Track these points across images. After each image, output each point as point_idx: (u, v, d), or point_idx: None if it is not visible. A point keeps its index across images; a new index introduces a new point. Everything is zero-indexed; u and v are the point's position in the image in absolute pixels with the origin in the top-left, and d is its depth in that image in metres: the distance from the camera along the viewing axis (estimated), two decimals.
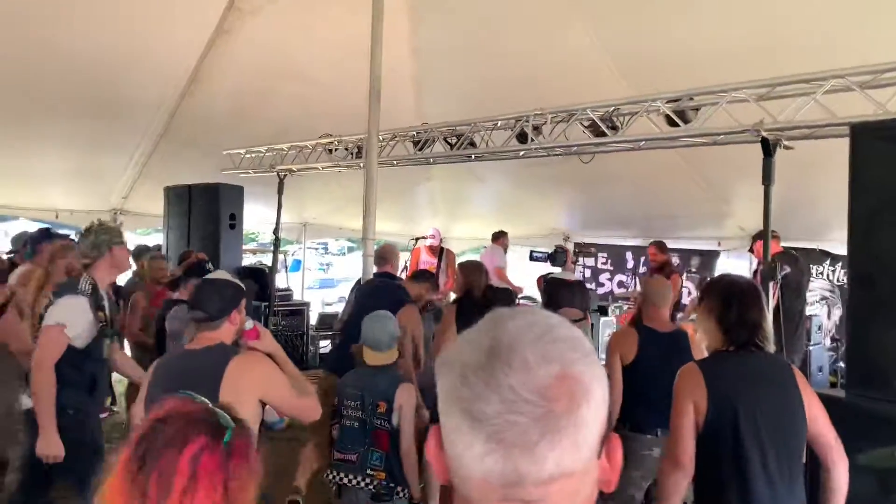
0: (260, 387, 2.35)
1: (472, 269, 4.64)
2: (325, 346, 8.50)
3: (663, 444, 3.46)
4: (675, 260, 9.07)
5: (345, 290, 23.25)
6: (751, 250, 6.54)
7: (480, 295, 4.37)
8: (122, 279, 5.75)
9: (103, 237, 3.37)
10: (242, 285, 2.58)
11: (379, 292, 4.68)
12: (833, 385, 7.07)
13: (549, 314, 0.86)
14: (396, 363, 3.23)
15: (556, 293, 2.92)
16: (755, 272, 5.93)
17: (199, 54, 6.79)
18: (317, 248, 26.61)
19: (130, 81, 6.79)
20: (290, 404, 2.48)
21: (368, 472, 3.05)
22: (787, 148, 3.99)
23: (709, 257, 9.12)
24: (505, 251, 8.35)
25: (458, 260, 7.65)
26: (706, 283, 3.16)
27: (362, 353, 3.23)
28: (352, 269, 22.17)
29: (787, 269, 5.38)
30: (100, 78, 6.61)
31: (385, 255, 5.48)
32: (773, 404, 2.36)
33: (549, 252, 4.34)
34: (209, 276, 2.62)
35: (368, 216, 5.21)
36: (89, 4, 5.89)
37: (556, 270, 4.77)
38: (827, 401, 3.24)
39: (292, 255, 13.63)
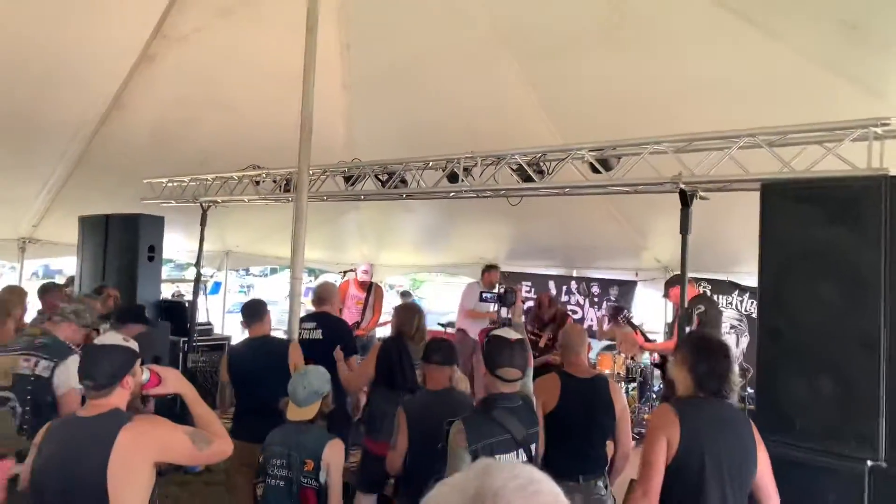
0: (155, 452, 2.33)
1: (406, 311, 4.64)
2: None
3: (584, 490, 3.57)
4: (589, 290, 9.47)
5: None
6: (666, 295, 6.78)
7: (410, 338, 4.38)
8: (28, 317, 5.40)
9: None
10: (135, 347, 2.51)
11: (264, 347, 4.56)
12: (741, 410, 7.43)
13: (532, 468, 0.92)
14: (316, 420, 3.18)
15: (495, 352, 2.97)
16: (673, 319, 6.15)
17: (122, 79, 6.55)
18: (237, 270, 25.91)
19: (48, 104, 6.45)
20: (193, 458, 2.45)
21: None
22: (702, 198, 4.21)
23: (627, 287, 9.48)
24: (491, 286, 7.48)
25: (388, 294, 7.65)
26: (685, 337, 3.35)
27: (286, 407, 3.20)
28: (275, 290, 21.57)
29: (702, 308, 5.64)
30: (15, 98, 6.26)
31: (324, 294, 5.42)
32: (735, 449, 2.67)
33: (498, 293, 4.32)
34: (99, 339, 2.53)
35: (297, 254, 5.14)
36: (5, 19, 5.55)
37: (504, 313, 4.76)
38: None
39: (212, 276, 13.24)
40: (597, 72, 5.54)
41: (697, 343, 2.90)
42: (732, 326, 8.43)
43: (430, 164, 5.47)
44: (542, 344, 6.82)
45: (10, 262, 8.45)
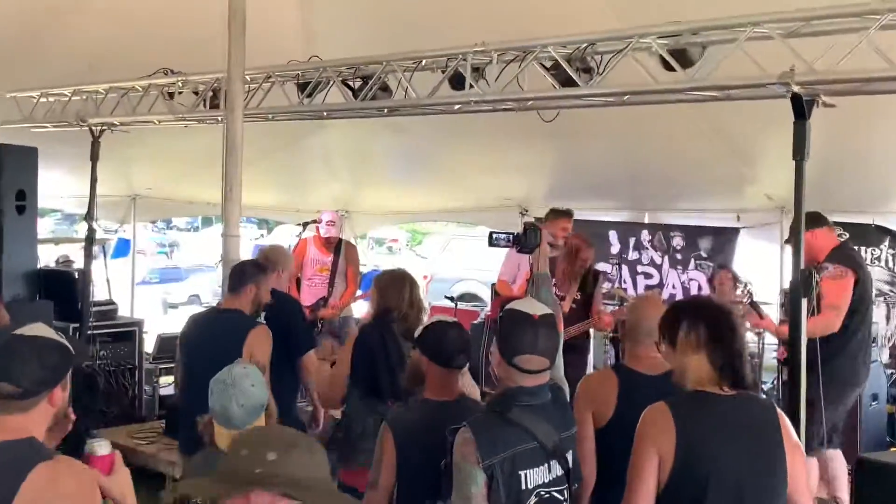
0: None
1: (391, 281, 4.68)
2: (167, 384, 8.43)
3: None
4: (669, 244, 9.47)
5: (198, 283, 22.77)
6: (788, 241, 6.62)
7: (402, 322, 4.41)
8: None
9: None
10: (71, 348, 2.52)
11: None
12: (892, 416, 7.45)
13: None
14: None
15: (512, 333, 2.98)
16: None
17: None
18: (154, 222, 26.13)
19: None
20: None
21: None
22: (828, 105, 4.17)
23: (725, 236, 9.43)
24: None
25: (364, 256, 7.68)
26: (669, 308, 3.33)
27: (212, 430, 3.23)
28: (207, 251, 21.67)
29: (829, 269, 5.59)
30: None
31: (272, 256, 5.49)
32: (753, 462, 2.72)
33: (516, 233, 4.27)
34: (25, 329, 2.54)
35: (231, 201, 5.19)
36: None
37: (527, 261, 4.72)
38: (879, 468, 3.52)
39: (116, 232, 13.36)
40: None
41: (707, 313, 2.97)
42: (880, 293, 8.38)
43: (424, 62, 5.44)
44: (566, 308, 6.53)
45: None
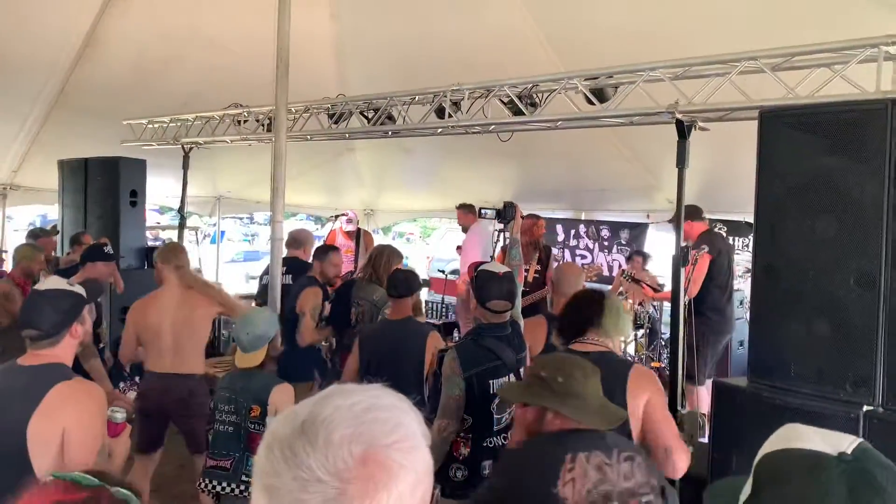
0: (68, 424, 2.15)
1: (375, 251, 4.80)
2: None
3: None
4: (599, 234, 9.37)
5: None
6: (671, 221, 6.64)
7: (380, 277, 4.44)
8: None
9: None
10: (83, 293, 2.42)
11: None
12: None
13: (392, 394, 0.85)
14: (265, 365, 3.18)
15: (484, 286, 3.04)
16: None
17: (95, 15, 6.42)
18: (241, 218, 26.05)
19: (18, 43, 6.38)
20: (81, 462, 2.07)
21: (244, 478, 3.00)
22: (702, 129, 4.07)
23: (638, 229, 9.35)
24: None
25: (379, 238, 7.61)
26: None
27: (234, 352, 3.21)
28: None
29: (704, 248, 5.56)
30: None
31: (299, 237, 5.43)
32: None
33: (498, 208, 4.40)
34: (40, 285, 2.45)
35: (277, 196, 5.08)
36: None
37: (504, 232, 4.78)
38: (728, 389, 3.41)
39: (213, 226, 13.31)
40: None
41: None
42: (748, 270, 8.29)
43: (417, 98, 5.34)
44: (530, 278, 6.42)
45: None
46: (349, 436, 0.77)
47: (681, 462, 2.54)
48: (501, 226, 4.71)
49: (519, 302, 3.43)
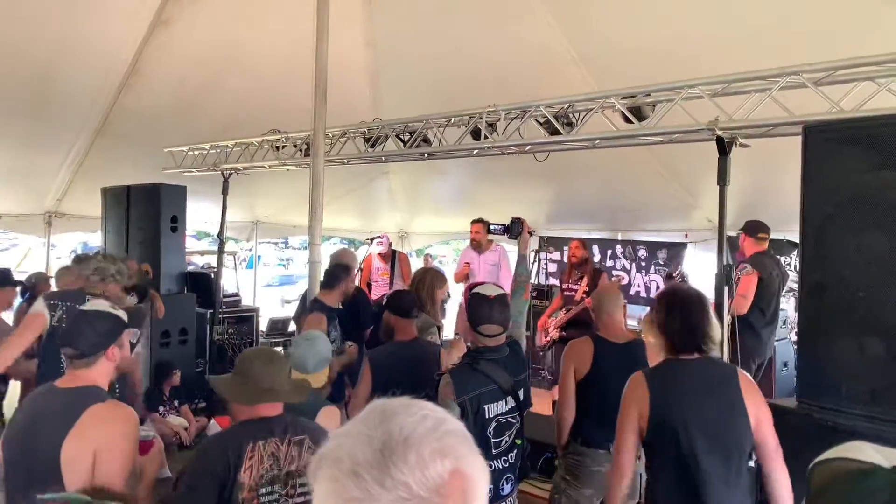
0: (98, 445, 2.18)
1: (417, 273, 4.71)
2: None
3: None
4: (636, 255, 9.27)
5: (305, 285, 23.03)
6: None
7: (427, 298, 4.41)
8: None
9: None
10: (124, 317, 2.45)
11: None
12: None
13: (435, 407, 0.87)
14: (326, 387, 3.18)
15: (475, 310, 2.99)
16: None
17: (137, 46, 6.62)
18: (276, 243, 26.33)
19: (63, 75, 6.60)
20: (111, 482, 2.15)
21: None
22: (743, 146, 4.03)
23: (676, 249, 9.22)
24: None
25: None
26: (657, 294, 3.22)
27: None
28: None
29: (748, 267, 5.42)
30: (30, 71, 6.43)
31: (345, 260, 5.46)
32: (714, 411, 2.55)
33: (506, 224, 4.40)
34: (85, 306, 2.50)
35: (315, 220, 5.15)
36: None
37: (511, 246, 4.78)
38: (778, 410, 3.32)
39: (249, 251, 13.47)
40: (631, 19, 5.34)
41: (668, 297, 2.81)
42: (790, 289, 8.12)
43: (453, 120, 5.38)
44: (577, 297, 6.68)
45: (39, 237, 8.69)
46: (437, 451, 0.79)
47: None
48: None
49: (523, 320, 3.44)
